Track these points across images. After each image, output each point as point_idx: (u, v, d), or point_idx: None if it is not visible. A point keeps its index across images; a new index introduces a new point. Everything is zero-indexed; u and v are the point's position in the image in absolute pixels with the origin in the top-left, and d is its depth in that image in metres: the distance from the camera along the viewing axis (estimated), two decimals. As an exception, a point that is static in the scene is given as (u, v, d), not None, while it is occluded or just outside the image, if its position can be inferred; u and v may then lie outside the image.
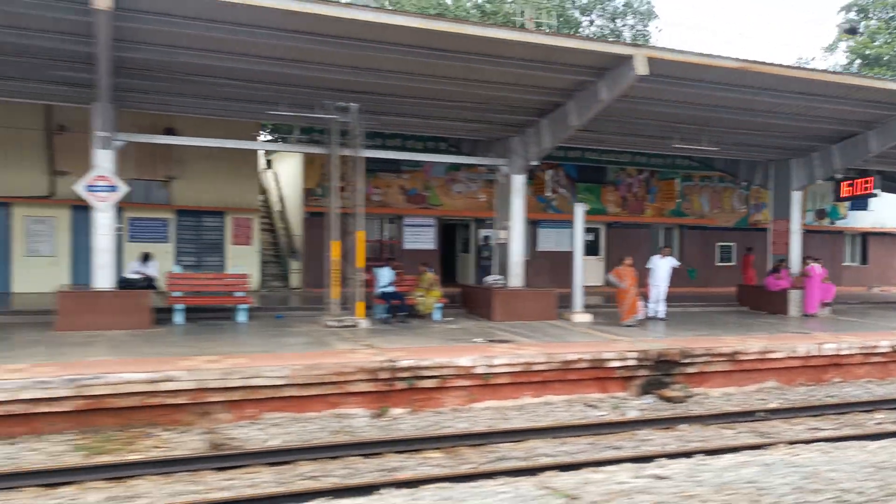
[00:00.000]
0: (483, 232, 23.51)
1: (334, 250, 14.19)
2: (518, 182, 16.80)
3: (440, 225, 23.18)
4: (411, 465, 9.00)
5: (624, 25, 43.45)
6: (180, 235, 19.57)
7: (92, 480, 8.00)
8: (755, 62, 13.60)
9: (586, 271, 25.47)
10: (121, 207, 18.85)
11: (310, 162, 21.01)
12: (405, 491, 7.37)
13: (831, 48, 45.73)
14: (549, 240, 24.64)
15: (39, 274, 17.94)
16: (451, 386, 11.19)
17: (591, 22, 43.37)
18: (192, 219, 19.68)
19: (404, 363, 10.75)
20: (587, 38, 12.64)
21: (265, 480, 8.32)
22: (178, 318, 13.84)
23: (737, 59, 13.39)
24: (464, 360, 11.16)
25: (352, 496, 7.34)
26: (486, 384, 11.41)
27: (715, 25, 62.06)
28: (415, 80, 13.73)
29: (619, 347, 12.63)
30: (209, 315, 14.71)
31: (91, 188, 13.01)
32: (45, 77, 12.21)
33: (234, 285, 14.79)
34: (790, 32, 65.47)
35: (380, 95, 14.32)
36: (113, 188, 13.14)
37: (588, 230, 26.51)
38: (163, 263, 19.03)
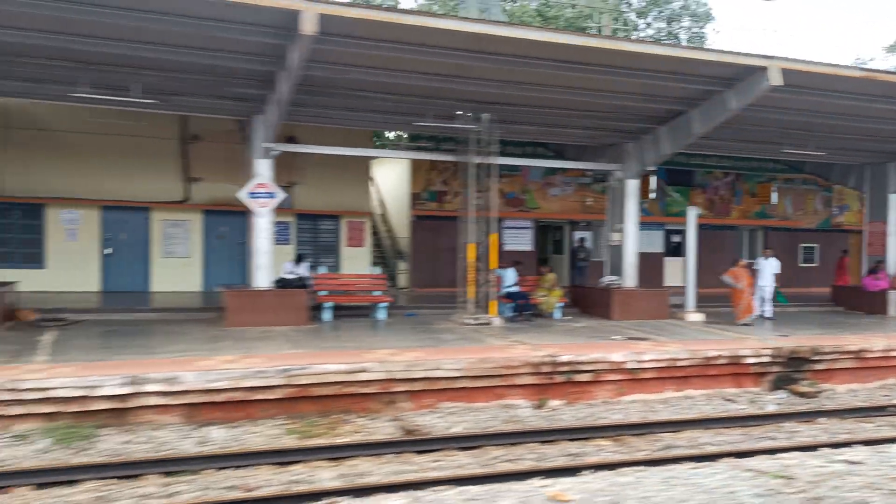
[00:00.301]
0: (577, 234, 24.21)
1: (470, 252, 15.02)
2: (632, 186, 17.49)
3: (536, 227, 23.95)
4: (591, 451, 9.77)
5: (680, 28, 43.72)
6: (300, 238, 20.64)
7: (317, 460, 8.91)
8: (878, 71, 14.16)
9: (672, 272, 26.29)
10: (246, 212, 20.07)
11: (416, 168, 21.92)
12: (604, 473, 8.12)
13: (894, 48, 45.65)
14: (640, 241, 25.18)
15: (175, 274, 19.14)
16: (603, 380, 11.94)
17: (648, 25, 43.72)
18: (311, 222, 20.74)
19: (564, 358, 11.53)
20: (721, 50, 13.18)
21: (467, 462, 9.14)
22: (327, 315, 14.81)
23: (861, 69, 13.97)
24: (616, 356, 11.91)
25: (557, 476, 8.09)
26: (633, 378, 12.14)
27: (770, 26, 61.72)
28: (543, 90, 14.42)
29: (753, 345, 13.24)
30: (350, 313, 15.65)
31: (252, 195, 14.04)
32: (219, 93, 13.26)
33: (373, 285, 15.72)
34: (844, 32, 64.86)
35: (509, 105, 15.10)
36: (272, 195, 14.16)
37: (675, 232, 27.23)
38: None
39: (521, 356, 11.44)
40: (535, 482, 7.15)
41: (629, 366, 12.01)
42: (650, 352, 12.26)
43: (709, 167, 26.42)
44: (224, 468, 8.55)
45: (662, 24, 43.96)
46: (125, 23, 10.48)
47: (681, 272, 27.00)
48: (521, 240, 23.42)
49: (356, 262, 20.74)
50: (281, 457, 8.89)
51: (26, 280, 16.24)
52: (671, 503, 6.31)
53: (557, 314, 16.64)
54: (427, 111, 14.31)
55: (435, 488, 7.16)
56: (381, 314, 15.38)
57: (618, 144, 17.54)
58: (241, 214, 19.90)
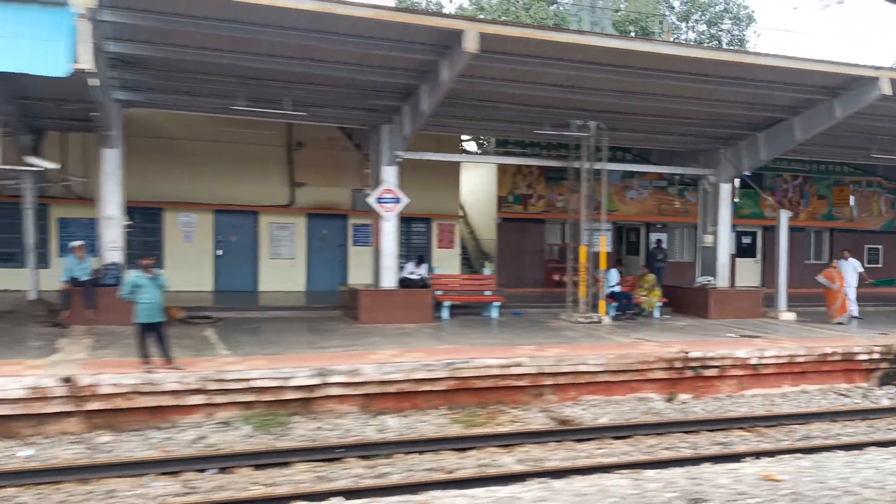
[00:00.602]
0: (654, 235, 24.87)
1: (581, 254, 15.76)
2: (725, 190, 18.12)
3: (615, 229, 24.64)
4: (736, 441, 10.48)
5: (720, 31, 44.08)
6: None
7: (489, 447, 9.68)
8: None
9: (743, 272, 26.87)
10: (345, 215, 20.99)
11: (503, 172, 22.70)
12: (768, 460, 8.83)
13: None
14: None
15: (281, 274, 20.08)
16: (727, 375, 12.65)
17: (692, 28, 44.10)
18: (404, 225, 21.52)
19: (694, 354, 12.24)
20: (832, 61, 13.78)
21: (629, 450, 9.88)
22: (445, 313, 15.61)
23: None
24: (740, 353, 12.61)
25: (721, 463, 8.77)
26: (755, 374, 12.83)
27: (814, 29, 61.70)
28: (649, 99, 15.05)
29: (863, 342, 13.86)
30: (463, 311, 16.45)
31: (380, 200, 14.88)
32: (355, 105, 14.12)
33: (484, 285, 16.53)
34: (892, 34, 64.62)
35: (614, 113, 15.78)
36: (397, 200, 14.98)
37: (746, 233, 27.81)
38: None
39: (654, 352, 12.17)
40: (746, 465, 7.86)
41: (752, 362, 12.70)
42: (770, 349, 12.94)
43: (778, 170, 26.94)
44: (410, 453, 9.36)
45: (703, 27, 44.37)
46: (285, 40, 11.32)
47: (750, 272, 27.78)
48: (596, 241, 24.03)
49: (446, 262, 21.52)
50: (459, 443, 9.68)
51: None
52: (871, 483, 7.00)
53: (656, 313, 17.32)
54: (544, 120, 15.06)
55: (654, 470, 7.83)
56: (494, 313, 16.16)
57: (712, 150, 18.15)
58: (341, 218, 20.94)
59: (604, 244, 16.10)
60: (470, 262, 23.85)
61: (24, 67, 8.83)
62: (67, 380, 8.99)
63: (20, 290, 17.27)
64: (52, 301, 14.76)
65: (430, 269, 16.71)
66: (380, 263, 15.03)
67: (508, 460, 9.32)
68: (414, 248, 21.58)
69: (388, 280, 15.00)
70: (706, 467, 7.96)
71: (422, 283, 15.41)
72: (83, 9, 9.03)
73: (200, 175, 19.19)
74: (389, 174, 14.97)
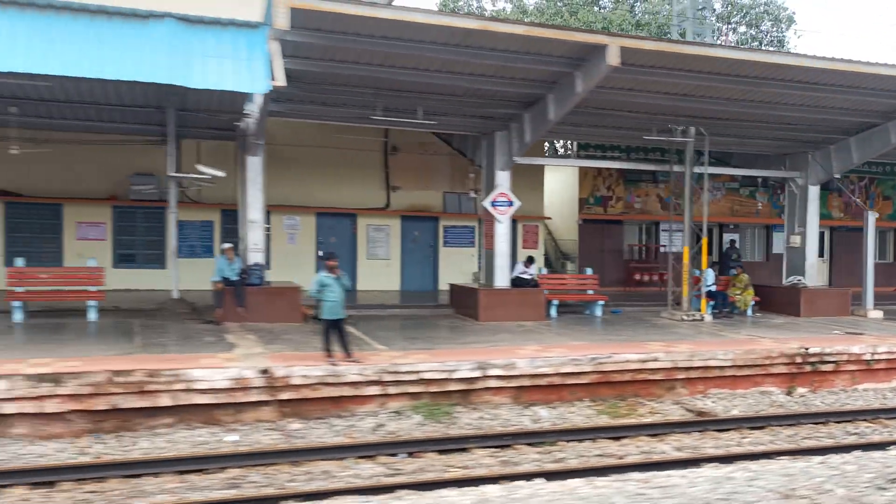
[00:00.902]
0: (727, 236, 25.43)
1: (685, 255, 16.42)
2: (814, 192, 18.70)
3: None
4: (867, 432, 11.12)
5: (760, 31, 44.34)
6: (482, 241, 22.27)
7: (640, 436, 10.37)
8: None
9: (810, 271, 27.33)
10: (436, 217, 21.79)
11: (584, 175, 23.38)
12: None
13: None
14: (784, 242, 26.32)
15: (377, 274, 20.94)
16: (842, 370, 13.27)
17: (734, 30, 44.43)
18: (491, 226, 22.39)
19: (814, 350, 12.88)
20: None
21: (769, 439, 10.55)
22: (553, 311, 16.35)
23: None
24: (855, 348, 13.24)
25: (872, 450, 9.34)
26: (867, 369, 13.45)
27: (855, 31, 61.72)
28: (755, 106, 15.69)
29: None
30: (567, 309, 17.17)
31: (494, 203, 15.65)
32: (475, 113, 14.89)
33: (587, 284, 17.24)
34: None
35: (714, 119, 16.41)
36: (510, 203, 15.74)
37: (813, 233, 28.26)
38: (468, 265, 21.81)
39: (776, 348, 12.82)
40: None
41: (865, 357, 13.32)
42: (882, 345, 13.54)
43: (845, 172, 27.35)
44: (570, 441, 10.08)
45: (743, 29, 44.70)
46: (430, 55, 12.11)
47: (817, 271, 28.20)
48: (677, 242, 24.66)
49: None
50: (613, 433, 10.40)
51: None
52: None
53: (749, 312, 17.93)
54: (651, 126, 15.74)
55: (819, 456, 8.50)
56: (598, 311, 16.87)
57: (799, 153, 18.71)
58: (433, 220, 21.73)
59: (705, 245, 16.73)
60: (550, 262, 24.52)
61: (231, 85, 9.68)
62: (265, 371, 9.83)
63: (146, 289, 18.34)
64: (190, 300, 15.73)
65: (539, 269, 17.41)
66: (493, 263, 15.79)
67: (665, 447, 10.02)
68: (500, 249, 22.32)
69: (502, 279, 15.75)
70: (857, 454, 8.56)
71: (533, 283, 16.13)
72: (276, 31, 9.87)
73: (303, 179, 20.06)
74: (503, 178, 15.73)
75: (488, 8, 43.08)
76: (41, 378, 8.94)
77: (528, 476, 8.21)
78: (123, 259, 18.68)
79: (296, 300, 14.04)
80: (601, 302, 16.98)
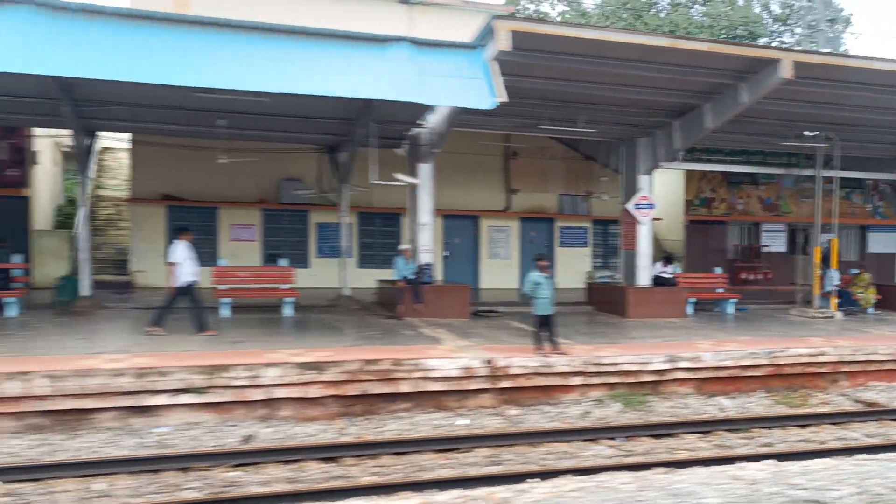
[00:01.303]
0: (824, 236, 25.96)
1: (816, 255, 17.15)
2: (931, 194, 19.31)
3: (789, 230, 25.88)
4: None
5: (818, 32, 44.47)
6: (595, 241, 23.20)
7: (822, 423, 11.15)
8: None
9: None
10: (552, 219, 22.69)
11: (690, 177, 24.13)
12: None
13: None
14: (878, 243, 26.89)
15: (498, 273, 21.94)
16: None
17: (792, 32, 44.68)
18: (602, 227, 23.26)
19: (963, 345, 13.59)
20: None
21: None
22: (690, 308, 17.17)
23: None
24: None
25: None
26: None
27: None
28: (885, 112, 16.35)
29: None
30: (698, 307, 17.98)
31: (637, 206, 16.52)
32: (619, 121, 15.76)
33: (717, 283, 18.04)
34: None
35: (843, 126, 17.08)
36: (651, 206, 16.59)
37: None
38: (581, 265, 22.69)
39: (930, 344, 13.54)
40: None
41: None
42: None
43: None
44: (762, 428, 10.90)
45: (798, 30, 44.93)
46: (605, 69, 12.99)
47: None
48: (776, 242, 25.39)
49: (632, 261, 22.99)
50: (800, 420, 11.21)
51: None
52: None
53: (870, 309, 18.60)
54: (787, 132, 16.50)
55: None
56: (730, 308, 17.66)
57: (916, 156, 19.37)
58: (548, 221, 22.63)
59: (835, 246, 17.44)
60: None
61: (461, 102, 10.67)
62: (489, 361, 10.80)
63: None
64: (356, 297, 16.79)
65: (675, 268, 18.22)
66: (635, 263, 16.68)
67: (854, 435, 10.83)
68: (610, 249, 23.18)
69: (644, 278, 16.63)
70: None
71: (673, 282, 16.97)
72: (497, 52, 10.83)
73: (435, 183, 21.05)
74: (645, 183, 16.59)
75: (548, 11, 43.94)
76: (307, 366, 9.99)
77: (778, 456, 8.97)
78: (270, 259, 19.82)
79: (465, 297, 15.03)
80: (733, 300, 17.76)
